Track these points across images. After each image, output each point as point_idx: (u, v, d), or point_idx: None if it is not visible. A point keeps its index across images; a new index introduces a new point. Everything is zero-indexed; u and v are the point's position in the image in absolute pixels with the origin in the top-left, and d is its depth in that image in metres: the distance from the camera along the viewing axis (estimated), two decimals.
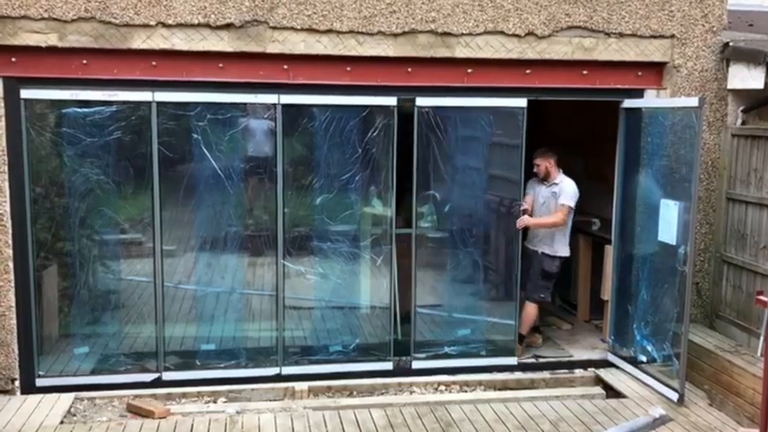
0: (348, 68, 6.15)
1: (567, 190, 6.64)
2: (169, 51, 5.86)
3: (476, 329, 6.84)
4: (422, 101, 6.31)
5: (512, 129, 6.54)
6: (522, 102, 6.41)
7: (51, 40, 5.70)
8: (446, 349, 6.67)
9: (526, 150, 6.51)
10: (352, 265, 6.73)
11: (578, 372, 6.71)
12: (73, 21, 5.69)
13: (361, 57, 6.11)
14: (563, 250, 6.77)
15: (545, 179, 6.77)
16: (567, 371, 6.69)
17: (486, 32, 6.21)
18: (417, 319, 6.58)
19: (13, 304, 5.89)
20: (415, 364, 6.56)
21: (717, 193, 6.72)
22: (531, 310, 6.81)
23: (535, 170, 6.77)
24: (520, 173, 6.54)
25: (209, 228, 6.70)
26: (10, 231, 5.82)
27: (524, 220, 6.56)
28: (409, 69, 6.24)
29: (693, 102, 5.87)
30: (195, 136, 6.21)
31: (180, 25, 5.82)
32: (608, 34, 6.39)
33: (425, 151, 6.45)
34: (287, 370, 6.39)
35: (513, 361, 6.67)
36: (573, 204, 6.64)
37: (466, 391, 6.40)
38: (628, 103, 6.58)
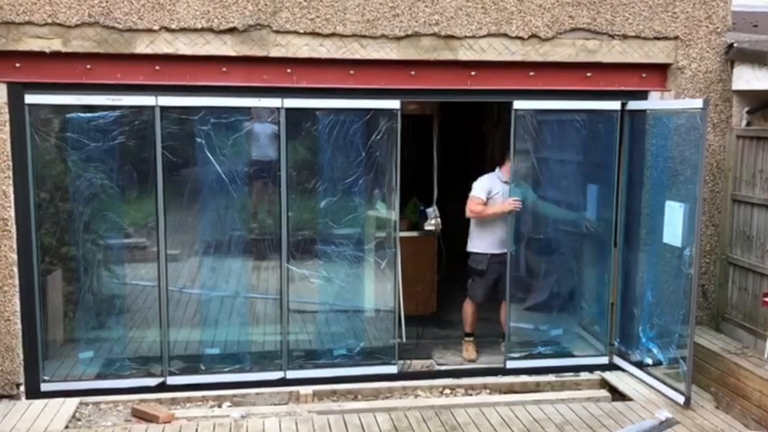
0: (351, 72, 6.15)
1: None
2: (172, 56, 5.86)
3: (568, 330, 7.02)
4: (520, 104, 6.34)
5: (605, 131, 6.62)
6: (615, 105, 6.42)
7: (55, 45, 5.71)
8: (539, 349, 6.80)
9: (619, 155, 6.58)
10: (357, 269, 6.72)
11: (584, 375, 6.68)
12: (76, 26, 5.69)
13: (365, 60, 6.10)
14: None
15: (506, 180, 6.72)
16: (572, 374, 6.67)
17: (490, 35, 6.20)
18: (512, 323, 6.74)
19: (18, 309, 5.89)
20: (510, 364, 6.63)
21: (722, 195, 6.69)
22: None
23: (503, 171, 6.72)
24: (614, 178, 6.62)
25: (213, 232, 6.70)
26: (14, 236, 5.82)
27: None
28: (412, 72, 6.23)
29: (698, 103, 5.85)
30: (199, 140, 6.22)
31: (183, 30, 5.82)
32: (612, 36, 6.38)
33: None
34: (291, 374, 6.37)
35: (605, 360, 6.75)
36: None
37: (471, 395, 6.38)
38: (632, 105, 6.56)
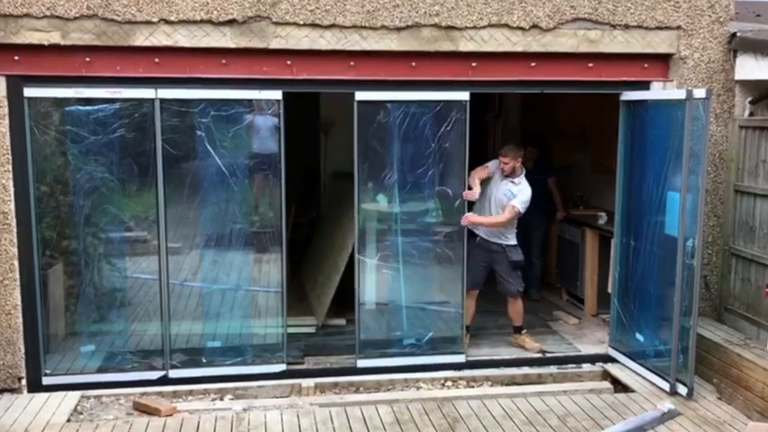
0: (352, 63, 6.12)
1: (524, 194, 6.58)
2: (172, 48, 5.84)
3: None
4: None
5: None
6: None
7: (54, 38, 5.68)
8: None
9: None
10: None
11: (586, 366, 6.67)
12: (75, 18, 5.67)
13: (365, 51, 6.07)
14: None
15: (509, 176, 6.64)
16: (574, 366, 6.66)
17: (491, 26, 6.17)
18: None
19: (19, 303, 5.88)
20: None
21: (724, 186, 6.66)
22: (520, 303, 6.91)
23: (502, 166, 6.64)
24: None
25: (213, 225, 6.67)
26: (15, 230, 5.81)
27: (470, 218, 6.50)
28: (413, 64, 6.20)
29: (700, 93, 5.81)
30: (199, 133, 6.19)
31: (182, 22, 5.79)
32: (613, 26, 6.34)
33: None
34: (293, 366, 6.36)
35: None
36: (522, 210, 6.58)
37: (473, 387, 6.37)
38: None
